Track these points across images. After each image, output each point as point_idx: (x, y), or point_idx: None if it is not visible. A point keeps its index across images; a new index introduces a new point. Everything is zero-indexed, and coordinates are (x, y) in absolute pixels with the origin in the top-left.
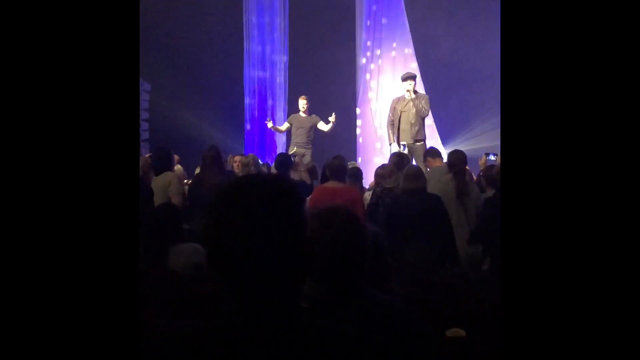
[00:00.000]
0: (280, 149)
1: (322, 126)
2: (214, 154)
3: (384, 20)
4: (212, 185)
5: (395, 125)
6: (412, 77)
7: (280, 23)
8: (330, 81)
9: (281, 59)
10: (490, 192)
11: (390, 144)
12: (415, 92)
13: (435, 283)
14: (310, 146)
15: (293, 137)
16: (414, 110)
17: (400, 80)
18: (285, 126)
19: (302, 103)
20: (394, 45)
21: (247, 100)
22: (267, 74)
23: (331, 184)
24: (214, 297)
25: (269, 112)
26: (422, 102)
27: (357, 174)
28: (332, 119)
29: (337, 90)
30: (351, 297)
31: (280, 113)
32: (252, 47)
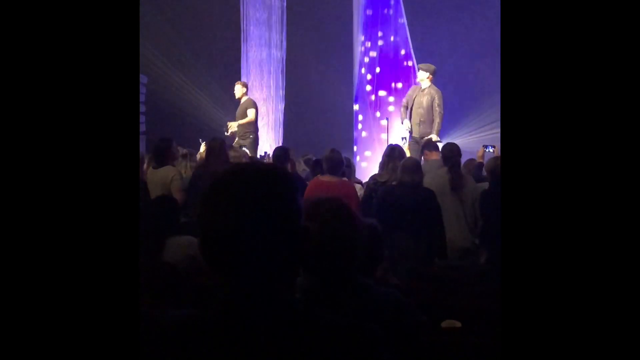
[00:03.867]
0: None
1: (250, 114)
2: (218, 145)
3: (368, 12)
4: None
5: (407, 110)
6: (424, 69)
7: (278, 15)
8: (328, 78)
9: (279, 45)
10: (485, 184)
11: (402, 123)
12: (429, 83)
13: (432, 275)
14: (248, 137)
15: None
16: (425, 104)
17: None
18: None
19: (237, 89)
20: (380, 34)
21: (243, 58)
22: (264, 57)
23: (327, 178)
24: (210, 288)
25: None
26: (434, 97)
27: (349, 164)
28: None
29: (333, 83)
30: (345, 288)
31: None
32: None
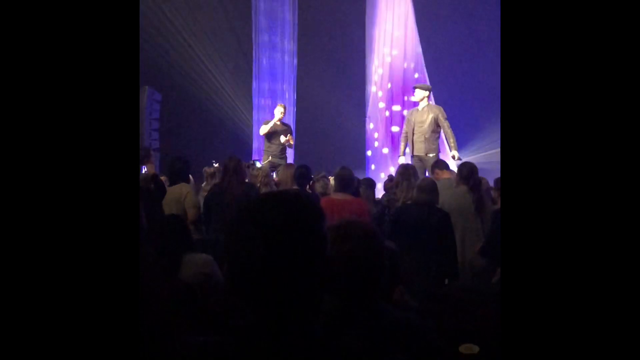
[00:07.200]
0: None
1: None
2: (235, 163)
3: (374, 30)
4: (235, 196)
5: (409, 137)
6: (418, 87)
7: (290, 16)
8: (340, 97)
9: (290, 47)
10: (499, 205)
11: (399, 156)
12: (427, 102)
13: (449, 296)
14: (284, 156)
15: (267, 145)
16: (428, 121)
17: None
18: (269, 126)
19: (281, 110)
20: (386, 51)
21: (255, 83)
22: (277, 58)
23: (340, 196)
24: (228, 310)
25: (279, 96)
26: (437, 114)
27: (371, 183)
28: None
29: (345, 101)
30: (367, 313)
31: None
32: (259, 37)
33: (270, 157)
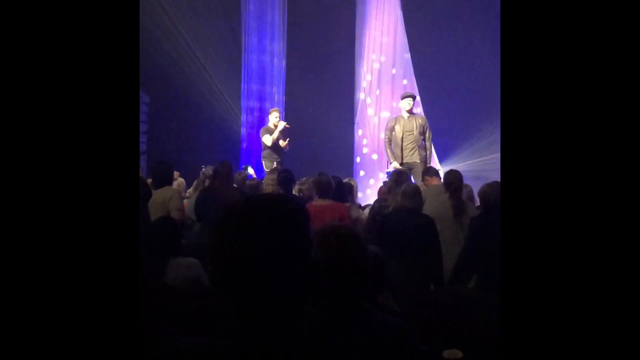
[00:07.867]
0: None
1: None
2: (227, 169)
3: (364, 37)
4: (224, 200)
5: (398, 145)
6: (411, 96)
7: (280, 19)
8: (328, 103)
9: (279, 49)
10: (477, 211)
11: (390, 163)
12: (412, 112)
13: (432, 301)
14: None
15: (269, 152)
16: (417, 129)
17: (400, 98)
18: (275, 135)
19: (276, 115)
20: (374, 57)
21: (244, 85)
22: (266, 61)
23: (319, 202)
24: (215, 313)
25: (267, 99)
26: (422, 123)
27: (351, 189)
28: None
29: (333, 108)
30: (351, 316)
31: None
32: (248, 38)
33: (274, 163)
